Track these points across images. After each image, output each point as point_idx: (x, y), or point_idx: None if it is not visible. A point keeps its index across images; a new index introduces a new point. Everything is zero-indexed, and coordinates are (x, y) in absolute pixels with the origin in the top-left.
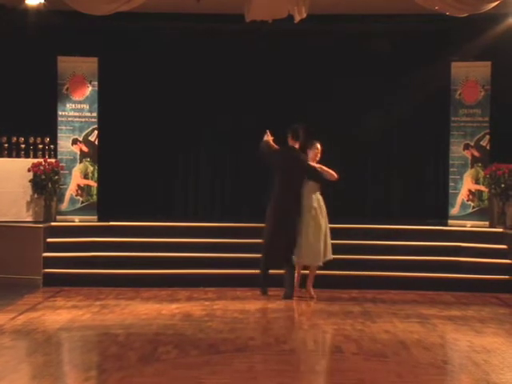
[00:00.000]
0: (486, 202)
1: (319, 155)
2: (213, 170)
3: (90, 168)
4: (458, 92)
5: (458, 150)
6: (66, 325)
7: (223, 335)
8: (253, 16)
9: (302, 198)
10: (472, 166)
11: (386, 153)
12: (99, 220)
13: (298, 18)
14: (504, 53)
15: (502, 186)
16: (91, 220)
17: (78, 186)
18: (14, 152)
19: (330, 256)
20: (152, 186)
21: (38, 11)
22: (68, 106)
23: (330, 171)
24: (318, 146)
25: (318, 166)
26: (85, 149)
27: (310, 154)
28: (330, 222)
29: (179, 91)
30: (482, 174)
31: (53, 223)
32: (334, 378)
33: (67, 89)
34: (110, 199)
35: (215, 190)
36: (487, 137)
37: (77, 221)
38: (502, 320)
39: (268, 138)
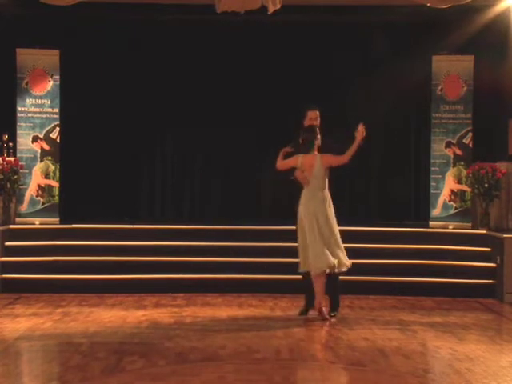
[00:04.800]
0: (469, 202)
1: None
2: (181, 170)
3: (52, 167)
4: (440, 87)
5: (440, 148)
6: (25, 333)
7: (192, 344)
8: (224, 7)
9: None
10: (454, 165)
11: (363, 151)
12: (61, 222)
13: (271, 9)
14: (487, 46)
15: (486, 185)
16: (53, 222)
17: (39, 186)
18: None
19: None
20: (117, 185)
21: None
22: (28, 101)
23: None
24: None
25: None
26: (46, 146)
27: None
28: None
29: (145, 85)
30: (464, 173)
31: (12, 226)
32: None
33: (27, 83)
34: (73, 200)
35: (184, 190)
36: (470, 134)
37: (37, 223)
38: (485, 326)
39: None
